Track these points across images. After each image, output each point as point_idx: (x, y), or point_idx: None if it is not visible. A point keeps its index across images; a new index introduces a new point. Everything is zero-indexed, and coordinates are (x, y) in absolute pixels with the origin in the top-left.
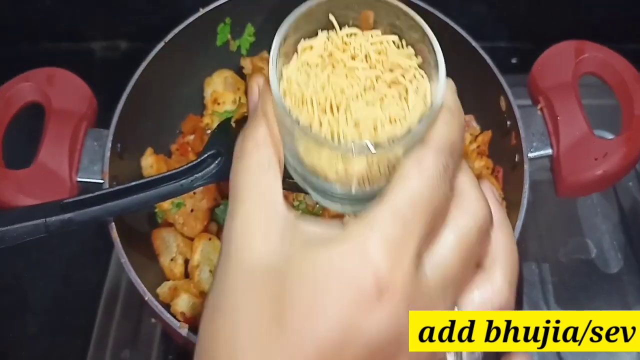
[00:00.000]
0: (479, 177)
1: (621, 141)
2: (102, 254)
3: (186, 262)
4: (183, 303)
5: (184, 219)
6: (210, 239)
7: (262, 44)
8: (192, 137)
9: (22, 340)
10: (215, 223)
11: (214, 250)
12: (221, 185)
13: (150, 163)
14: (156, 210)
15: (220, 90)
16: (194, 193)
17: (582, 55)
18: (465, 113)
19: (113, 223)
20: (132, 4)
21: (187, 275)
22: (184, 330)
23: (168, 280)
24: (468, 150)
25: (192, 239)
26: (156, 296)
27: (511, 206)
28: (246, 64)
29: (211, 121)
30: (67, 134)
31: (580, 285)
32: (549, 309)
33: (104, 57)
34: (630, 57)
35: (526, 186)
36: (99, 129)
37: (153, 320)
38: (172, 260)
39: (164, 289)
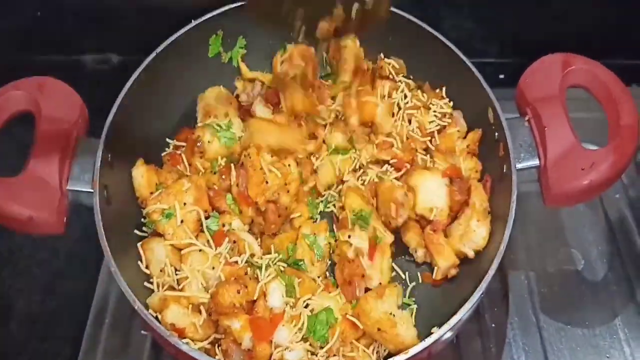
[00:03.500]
0: (467, 179)
1: (608, 151)
2: (90, 265)
3: (176, 273)
4: (172, 314)
5: (174, 229)
6: (200, 250)
7: (253, 56)
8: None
9: (8, 350)
10: (206, 234)
11: (204, 261)
12: (211, 197)
13: (141, 173)
14: (146, 220)
15: (212, 104)
16: (185, 204)
17: (569, 67)
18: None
19: (103, 232)
20: (123, 18)
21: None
22: (173, 339)
23: (157, 290)
24: (457, 149)
25: (181, 250)
26: (146, 306)
27: (499, 218)
28: (240, 85)
29: (203, 133)
30: (57, 142)
31: (568, 295)
32: (537, 318)
33: (95, 70)
34: (617, 72)
35: (514, 197)
36: (90, 138)
37: (143, 332)
38: (161, 271)
39: (153, 299)
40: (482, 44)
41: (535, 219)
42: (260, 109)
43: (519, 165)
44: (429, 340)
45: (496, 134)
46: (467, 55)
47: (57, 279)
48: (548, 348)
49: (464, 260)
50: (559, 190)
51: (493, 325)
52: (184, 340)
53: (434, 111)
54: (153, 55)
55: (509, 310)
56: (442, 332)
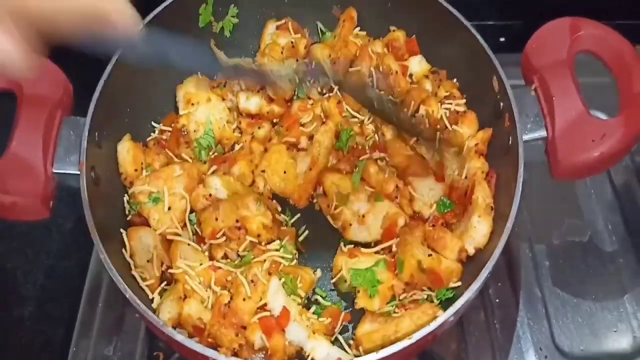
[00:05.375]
0: (473, 178)
1: (620, 121)
2: (83, 244)
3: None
4: (171, 310)
5: (160, 215)
6: (188, 245)
7: (245, 26)
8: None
9: (3, 329)
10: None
11: (195, 255)
12: (192, 197)
13: (127, 148)
14: (130, 201)
15: (193, 92)
16: (174, 190)
17: (578, 32)
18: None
19: (91, 217)
20: None
21: (163, 278)
22: (166, 328)
23: (144, 280)
24: (466, 146)
25: (168, 241)
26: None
27: (505, 192)
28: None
29: (187, 122)
30: (40, 122)
31: (574, 268)
32: (542, 291)
33: None
34: (626, 34)
35: (521, 169)
36: (75, 117)
37: (137, 314)
38: (148, 261)
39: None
40: (480, 4)
41: (540, 190)
42: (251, 103)
43: (525, 137)
44: (434, 325)
45: (501, 104)
46: (466, 16)
47: (50, 259)
48: (554, 322)
49: None
50: (568, 163)
51: (497, 300)
52: (178, 330)
53: (446, 108)
54: (140, 26)
55: (513, 285)
56: (447, 316)
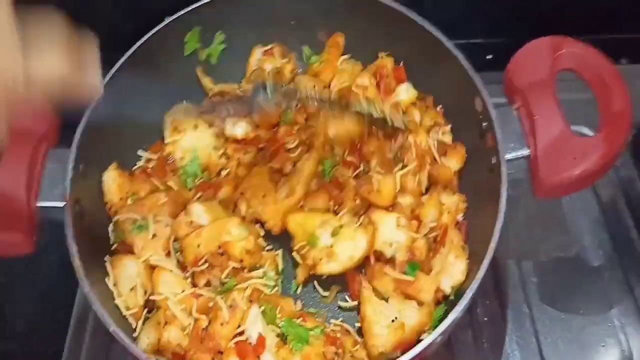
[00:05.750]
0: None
1: (600, 139)
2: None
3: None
4: (150, 336)
5: (144, 243)
6: (170, 271)
7: (232, 52)
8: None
9: None
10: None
11: (177, 283)
12: (174, 224)
13: (112, 177)
14: (114, 229)
15: (179, 119)
16: (159, 217)
17: (559, 51)
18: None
19: (76, 252)
20: (100, 14)
21: (145, 306)
22: None
23: (128, 309)
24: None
25: (152, 269)
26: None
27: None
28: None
29: (174, 149)
30: (25, 157)
31: (561, 283)
32: (530, 308)
33: None
34: (607, 46)
35: (504, 188)
36: (60, 149)
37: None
38: (131, 290)
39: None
40: (467, 23)
41: (526, 206)
42: (238, 128)
43: (508, 156)
44: (419, 348)
45: (484, 124)
46: (452, 35)
47: (34, 295)
48: (542, 339)
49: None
50: (550, 181)
51: (485, 318)
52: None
53: (434, 139)
54: (125, 57)
55: (501, 302)
56: (433, 338)
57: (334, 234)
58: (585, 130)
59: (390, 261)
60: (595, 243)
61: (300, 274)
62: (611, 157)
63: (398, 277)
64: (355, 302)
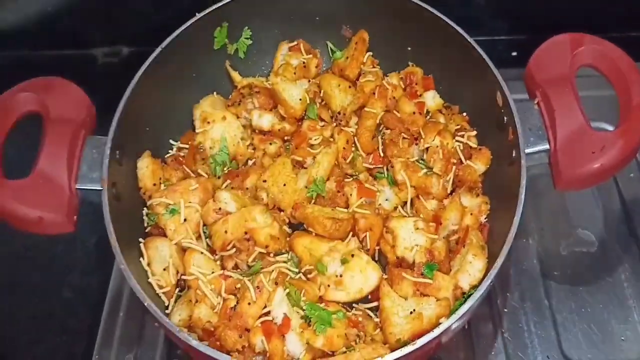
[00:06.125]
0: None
1: (619, 133)
2: (104, 258)
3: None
4: (182, 313)
5: (176, 226)
6: (201, 253)
7: (259, 48)
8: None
9: (25, 343)
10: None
11: (207, 264)
12: (203, 211)
13: (146, 164)
14: (148, 212)
15: (208, 110)
16: (190, 202)
17: (579, 47)
18: (462, 112)
19: (112, 231)
20: (132, 8)
21: (177, 287)
22: (183, 334)
23: (161, 288)
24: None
25: (183, 251)
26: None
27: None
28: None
29: (204, 139)
30: (65, 142)
31: (582, 277)
32: (550, 300)
33: (105, 63)
34: (630, 44)
35: (523, 181)
36: (97, 137)
37: (156, 323)
38: (164, 269)
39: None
40: (492, 21)
41: (547, 201)
42: (264, 120)
43: (528, 150)
44: (437, 331)
45: (505, 118)
46: (477, 32)
47: (72, 273)
48: (561, 331)
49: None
50: (569, 174)
51: (505, 310)
52: (188, 333)
53: (459, 141)
54: (158, 50)
55: (521, 294)
56: (450, 322)
57: (344, 261)
58: (605, 127)
59: (411, 266)
60: (616, 238)
61: None
62: (630, 151)
63: (417, 281)
64: (375, 303)
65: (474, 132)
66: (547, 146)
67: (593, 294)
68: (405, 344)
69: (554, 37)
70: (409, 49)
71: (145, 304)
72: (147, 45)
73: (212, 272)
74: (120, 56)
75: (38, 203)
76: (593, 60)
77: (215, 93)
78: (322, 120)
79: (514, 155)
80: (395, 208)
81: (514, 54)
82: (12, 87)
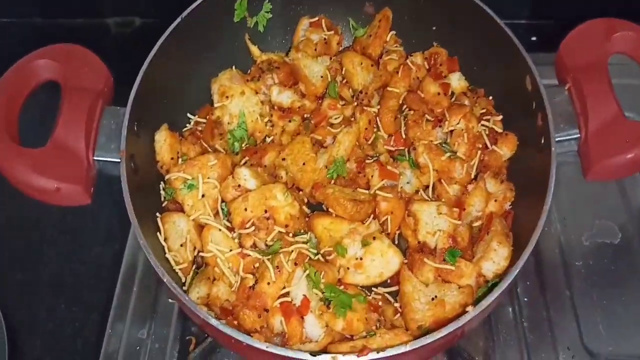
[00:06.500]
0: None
1: None
2: (118, 231)
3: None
4: (200, 290)
5: (194, 202)
6: (220, 230)
7: (279, 22)
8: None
9: (38, 316)
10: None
11: (225, 241)
12: (222, 187)
13: (164, 137)
14: (165, 187)
15: (227, 84)
16: (208, 178)
17: (614, 33)
18: (487, 95)
19: (130, 203)
20: None
21: (194, 263)
22: (203, 312)
23: (177, 264)
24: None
25: (200, 227)
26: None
27: (537, 191)
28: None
29: (222, 114)
30: (83, 112)
31: (604, 269)
32: (571, 291)
33: (118, 33)
34: None
35: (553, 170)
36: (115, 107)
37: (170, 300)
38: (181, 245)
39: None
40: (512, 5)
41: (570, 189)
42: (284, 97)
43: (557, 137)
44: (462, 320)
45: (534, 103)
46: (497, 16)
47: (86, 246)
48: (582, 322)
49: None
50: (600, 164)
51: (525, 299)
52: (207, 312)
53: (484, 126)
54: (178, 20)
55: (542, 284)
56: (476, 312)
57: (364, 244)
58: (637, 117)
59: (433, 251)
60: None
61: None
62: None
63: (439, 267)
64: (396, 287)
65: (500, 117)
66: (577, 134)
67: (615, 285)
68: (426, 330)
69: (587, 22)
70: (434, 28)
71: (165, 280)
72: (159, 17)
73: (230, 250)
74: (133, 27)
75: (56, 173)
76: (628, 47)
77: (234, 67)
78: (342, 99)
79: (542, 142)
80: (417, 192)
81: (534, 38)
82: (24, 55)
